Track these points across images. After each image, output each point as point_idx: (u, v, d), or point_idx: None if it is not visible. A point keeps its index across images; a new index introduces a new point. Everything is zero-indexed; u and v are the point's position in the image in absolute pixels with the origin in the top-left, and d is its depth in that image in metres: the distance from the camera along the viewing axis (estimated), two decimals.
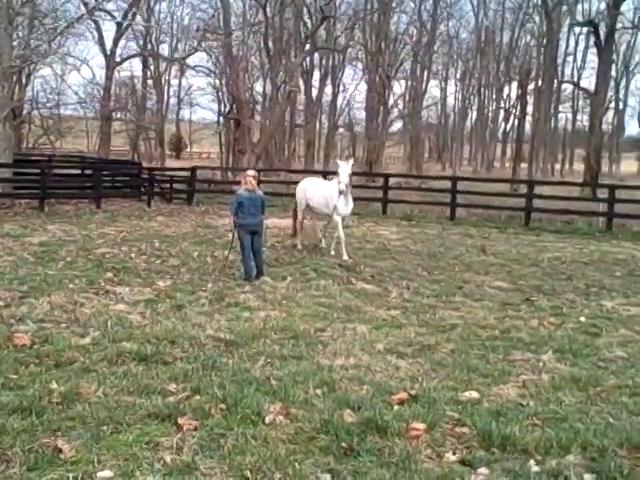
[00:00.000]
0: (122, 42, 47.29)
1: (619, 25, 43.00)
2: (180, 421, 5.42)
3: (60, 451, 4.86)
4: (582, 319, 9.61)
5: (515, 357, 7.68)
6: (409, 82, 64.54)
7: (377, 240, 17.63)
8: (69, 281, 10.91)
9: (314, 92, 59.22)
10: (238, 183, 30.27)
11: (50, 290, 10.14)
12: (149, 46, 52.27)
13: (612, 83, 58.54)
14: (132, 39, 51.86)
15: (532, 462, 4.96)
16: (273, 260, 13.79)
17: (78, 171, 29.90)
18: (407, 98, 65.27)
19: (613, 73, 58.26)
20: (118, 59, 46.47)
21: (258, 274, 11.86)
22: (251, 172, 12.73)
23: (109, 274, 11.68)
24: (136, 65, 57.34)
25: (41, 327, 8.11)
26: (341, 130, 73.25)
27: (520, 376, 6.98)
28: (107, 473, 4.60)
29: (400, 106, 64.51)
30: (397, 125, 65.33)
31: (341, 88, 63.50)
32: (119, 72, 50.96)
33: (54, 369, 6.61)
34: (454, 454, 5.09)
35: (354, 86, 67.47)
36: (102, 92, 45.69)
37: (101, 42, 45.66)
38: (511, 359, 7.60)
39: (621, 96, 69.96)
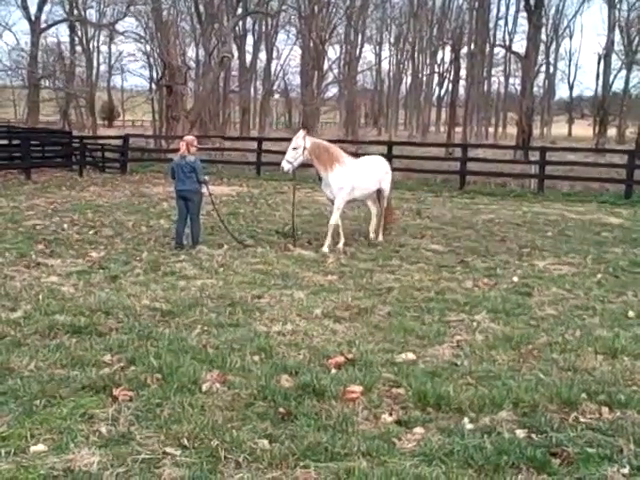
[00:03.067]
0: (47, 7, 45.76)
1: None
2: (115, 392, 5.36)
3: None
4: (515, 279, 9.81)
5: (450, 318, 7.81)
6: (343, 47, 64.28)
7: (313, 206, 17.62)
8: None
9: (248, 57, 58.56)
10: (172, 151, 29.92)
11: None
12: (76, 11, 50.69)
13: (542, 47, 59.30)
14: (58, 4, 50.11)
15: (466, 420, 5.07)
16: (209, 227, 13.66)
17: (5, 141, 29.01)
18: (342, 63, 65.01)
19: (543, 37, 59.02)
20: (44, 25, 45.01)
21: (193, 242, 11.75)
22: (187, 137, 12.41)
23: (40, 246, 11.42)
24: (63, 31, 55.87)
25: None
26: (276, 96, 72.77)
27: (455, 336, 7.10)
28: (40, 447, 4.53)
29: (335, 71, 64.26)
30: (333, 91, 65.13)
31: (275, 53, 62.95)
32: (45, 38, 49.48)
33: None
34: (390, 415, 5.16)
35: (288, 51, 67.07)
36: (28, 59, 44.27)
37: (25, 6, 44.13)
38: (446, 320, 7.72)
39: (551, 60, 70.95)
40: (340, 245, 12.19)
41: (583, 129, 77.82)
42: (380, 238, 12.85)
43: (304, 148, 11.78)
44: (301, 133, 12.02)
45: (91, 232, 13.01)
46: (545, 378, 5.89)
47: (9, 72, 46.71)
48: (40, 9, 42.86)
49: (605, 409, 5.30)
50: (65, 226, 13.56)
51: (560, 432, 4.90)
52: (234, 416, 5.06)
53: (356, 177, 12.26)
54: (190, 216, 11.88)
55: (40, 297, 8.11)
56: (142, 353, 6.24)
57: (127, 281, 9.19)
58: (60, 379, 5.63)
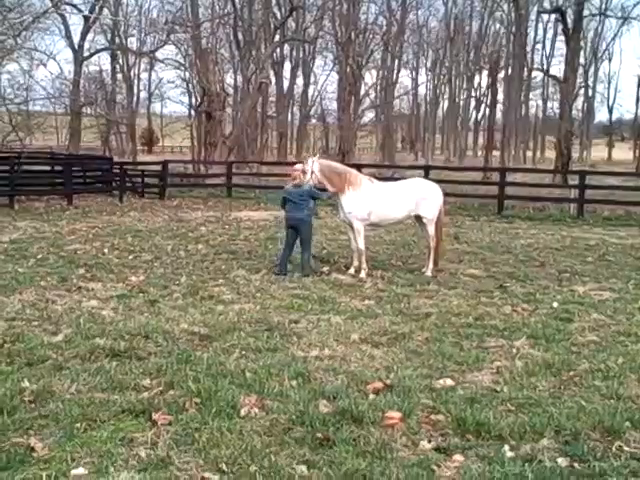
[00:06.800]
0: (90, 36, 46.95)
1: (586, 12, 43.27)
2: (154, 416, 5.39)
3: (33, 450, 4.82)
4: (555, 305, 9.68)
5: (489, 344, 7.73)
6: (380, 72, 64.62)
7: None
8: (40, 278, 10.79)
9: (285, 83, 59.17)
10: (210, 176, 30.25)
11: (21, 288, 10.04)
12: (117, 40, 51.78)
13: (581, 70, 58.97)
14: (100, 33, 51.45)
15: (506, 447, 5.00)
16: (246, 252, 13.75)
17: (48, 167, 29.62)
18: (378, 88, 65.33)
19: (582, 60, 58.69)
20: (86, 53, 46.08)
21: (303, 273, 11.67)
22: (299, 165, 12.29)
23: (81, 270, 11.58)
24: (105, 59, 56.97)
25: (12, 325, 8.02)
26: (313, 121, 73.19)
27: (494, 362, 7.02)
28: (81, 470, 4.56)
29: (372, 96, 64.56)
30: (369, 115, 65.37)
31: (312, 79, 63.54)
32: (87, 66, 50.55)
33: (26, 367, 6.55)
34: (429, 442, 5.11)
35: (325, 77, 67.69)
36: (71, 87, 45.21)
37: (68, 36, 45.29)
38: (485, 346, 7.65)
39: (590, 83, 70.58)
40: (352, 270, 12.01)
41: (623, 152, 77.07)
42: (428, 272, 11.97)
43: (312, 172, 11.81)
44: (310, 159, 12.06)
45: (131, 257, 13.15)
46: (587, 405, 5.79)
47: (52, 100, 47.63)
48: (83, 38, 43.93)
49: None
50: (105, 251, 13.73)
51: (603, 461, 4.81)
52: (272, 441, 5.05)
53: (372, 202, 11.93)
54: (302, 245, 11.91)
55: (81, 321, 8.21)
56: (181, 377, 6.27)
57: (166, 305, 9.26)
58: (100, 403, 5.68)
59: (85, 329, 7.84)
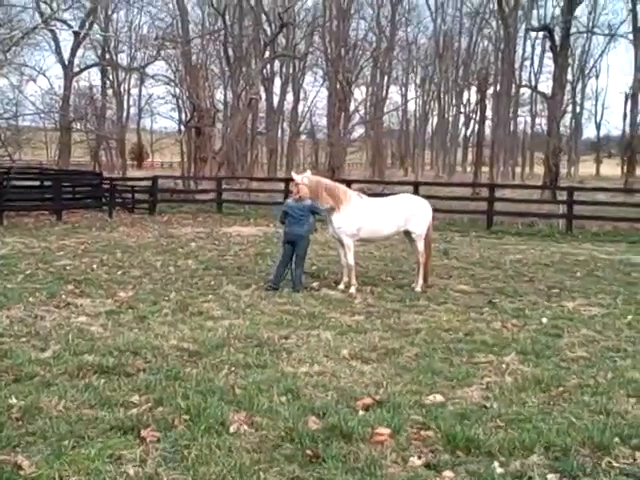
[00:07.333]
0: (80, 52, 46.97)
1: (574, 29, 43.62)
2: (143, 433, 5.35)
3: (20, 467, 4.76)
4: (544, 320, 9.70)
5: (479, 359, 7.73)
6: (370, 88, 64.92)
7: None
8: (29, 294, 10.73)
9: (275, 99, 59.37)
10: (200, 192, 30.22)
11: (9, 304, 9.98)
12: (107, 55, 51.88)
13: (568, 87, 59.42)
14: (90, 49, 51.51)
15: (496, 464, 4.99)
16: (235, 268, 13.74)
17: (38, 183, 29.53)
18: (368, 104, 65.60)
19: (569, 77, 59.17)
20: (76, 69, 46.11)
21: (294, 288, 11.66)
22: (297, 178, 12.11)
23: (70, 286, 11.53)
24: (95, 75, 57.00)
25: (0, 342, 7.96)
26: (303, 137, 73.36)
27: (484, 378, 7.02)
28: None
29: (361, 112, 64.80)
30: (359, 131, 65.57)
31: (302, 95, 63.76)
32: (78, 82, 50.57)
33: (13, 384, 6.49)
34: (419, 458, 5.09)
35: (315, 93, 67.94)
36: (61, 102, 45.20)
37: (58, 52, 45.34)
38: (475, 361, 7.64)
39: (578, 99, 71.11)
40: (341, 286, 12.03)
41: (611, 168, 77.56)
42: (418, 288, 11.99)
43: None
44: (297, 176, 12.05)
45: (120, 272, 13.10)
46: (576, 421, 5.79)
47: (42, 115, 47.58)
48: (73, 54, 43.95)
49: (639, 454, 5.19)
50: (94, 266, 13.68)
51: (593, 477, 4.81)
52: (261, 458, 5.02)
53: (362, 218, 11.95)
54: (296, 260, 11.87)
55: (69, 337, 8.17)
56: (170, 394, 6.24)
57: (155, 321, 9.22)
58: (88, 420, 5.64)
59: (74, 345, 7.80)
